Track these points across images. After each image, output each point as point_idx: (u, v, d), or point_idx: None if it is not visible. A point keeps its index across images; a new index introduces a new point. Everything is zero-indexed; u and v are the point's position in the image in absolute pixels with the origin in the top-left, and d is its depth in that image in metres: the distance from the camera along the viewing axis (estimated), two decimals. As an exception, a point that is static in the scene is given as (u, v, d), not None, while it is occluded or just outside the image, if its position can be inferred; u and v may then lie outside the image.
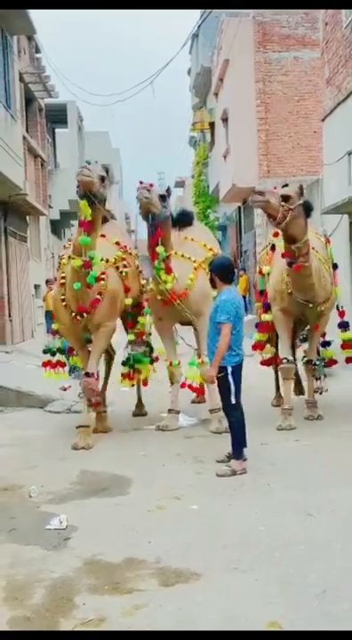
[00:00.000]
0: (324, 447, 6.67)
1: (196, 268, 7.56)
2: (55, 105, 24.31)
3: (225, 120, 23.88)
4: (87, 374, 7.02)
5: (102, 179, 6.50)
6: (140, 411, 8.53)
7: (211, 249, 7.96)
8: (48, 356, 8.09)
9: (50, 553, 4.33)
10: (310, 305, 7.49)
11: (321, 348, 8.51)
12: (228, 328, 5.82)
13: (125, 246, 7.83)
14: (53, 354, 7.96)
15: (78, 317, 6.90)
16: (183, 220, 8.35)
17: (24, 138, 17.02)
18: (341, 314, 8.37)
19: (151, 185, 6.95)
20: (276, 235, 7.40)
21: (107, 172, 6.70)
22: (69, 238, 8.18)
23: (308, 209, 6.96)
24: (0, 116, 12.18)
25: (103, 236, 7.18)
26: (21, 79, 17.11)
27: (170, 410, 7.69)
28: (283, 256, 7.24)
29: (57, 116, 25.94)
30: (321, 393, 8.17)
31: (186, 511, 5.04)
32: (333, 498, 5.17)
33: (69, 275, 6.72)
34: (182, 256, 7.52)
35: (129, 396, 8.86)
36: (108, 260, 7.20)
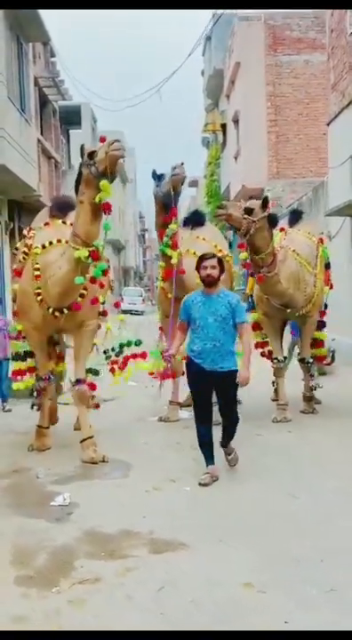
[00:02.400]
0: (314, 439, 7.07)
1: None
2: (69, 107, 24.82)
3: (236, 122, 24.27)
4: (78, 381, 6.47)
5: None
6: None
7: (220, 250, 8.06)
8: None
9: (53, 525, 4.76)
10: (288, 310, 7.82)
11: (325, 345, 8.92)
12: (250, 328, 5.96)
13: None
14: (23, 359, 7.19)
15: (57, 314, 6.24)
16: (195, 219, 8.73)
17: (38, 140, 17.51)
18: (322, 314, 8.74)
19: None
20: (241, 246, 7.48)
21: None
22: (30, 227, 7.14)
23: (272, 221, 7.21)
24: (15, 120, 12.67)
25: (72, 224, 6.30)
26: (36, 83, 17.62)
27: (171, 401, 8.10)
28: (245, 266, 7.61)
29: (71, 118, 26.46)
30: (315, 389, 8.50)
31: (180, 492, 5.45)
32: (317, 483, 5.59)
33: (64, 267, 5.96)
34: (194, 254, 7.54)
35: (135, 389, 9.28)
36: None
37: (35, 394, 7.04)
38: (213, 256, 5.69)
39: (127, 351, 7.45)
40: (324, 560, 4.08)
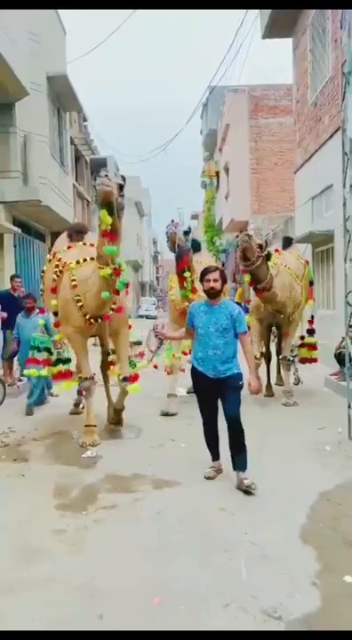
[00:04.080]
0: (279, 412, 7.42)
1: None
2: (99, 159, 25.25)
3: (226, 170, 24.59)
4: (125, 378, 6.16)
5: (121, 187, 5.24)
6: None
7: None
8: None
9: (83, 470, 5.12)
10: (281, 315, 7.76)
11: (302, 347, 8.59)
12: (249, 337, 4.97)
13: None
14: (64, 363, 6.93)
15: (93, 321, 5.86)
16: (194, 246, 8.53)
17: (74, 185, 17.88)
18: (310, 322, 8.71)
19: (177, 222, 6.92)
20: (244, 271, 7.19)
21: (123, 180, 5.38)
22: (54, 252, 6.63)
23: (268, 257, 7.15)
24: (56, 172, 13.07)
25: (92, 245, 6.04)
26: (72, 142, 18.03)
27: (169, 394, 7.61)
28: (250, 284, 7.42)
29: (100, 167, 26.82)
30: (297, 383, 8.35)
31: (177, 447, 5.78)
32: (276, 442, 5.90)
33: (96, 284, 5.59)
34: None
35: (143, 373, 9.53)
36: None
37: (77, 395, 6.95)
38: (216, 269, 4.81)
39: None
40: (281, 495, 4.41)
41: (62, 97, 14.00)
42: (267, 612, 2.84)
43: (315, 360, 8.75)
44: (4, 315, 9.01)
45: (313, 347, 8.68)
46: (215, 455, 4.93)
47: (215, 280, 4.69)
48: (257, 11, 14.16)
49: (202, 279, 4.79)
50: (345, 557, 3.36)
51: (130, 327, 6.60)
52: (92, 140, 20.98)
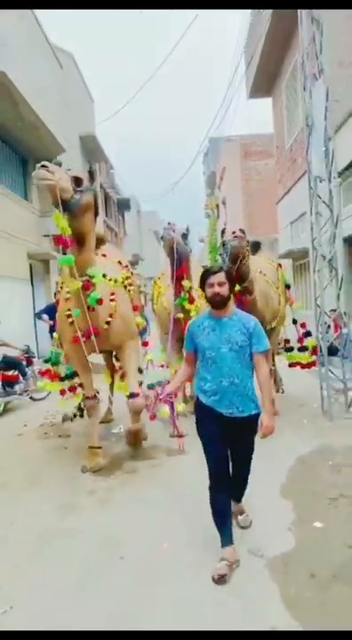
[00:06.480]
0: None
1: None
2: (124, 199, 25.46)
3: (224, 203, 24.63)
4: (132, 394, 4.47)
5: (78, 181, 3.51)
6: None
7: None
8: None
9: (112, 443, 5.15)
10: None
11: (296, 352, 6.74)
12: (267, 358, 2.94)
13: (127, 265, 5.03)
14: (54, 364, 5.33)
15: (92, 337, 4.06)
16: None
17: (104, 221, 18.02)
18: (303, 325, 6.80)
19: (174, 224, 4.89)
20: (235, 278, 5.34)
21: (91, 174, 3.84)
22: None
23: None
24: (89, 210, 13.26)
25: (104, 255, 4.60)
26: (101, 187, 18.23)
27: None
28: (235, 295, 5.50)
29: (124, 205, 27.06)
30: (278, 391, 6.94)
31: (191, 424, 5.62)
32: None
33: (73, 299, 4.03)
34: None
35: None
36: (116, 280, 4.47)
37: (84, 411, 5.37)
38: (220, 269, 2.85)
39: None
40: (266, 460, 4.35)
41: (92, 152, 14.20)
42: (252, 552, 2.86)
43: (313, 364, 6.60)
44: (51, 322, 9.15)
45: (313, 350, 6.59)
46: (226, 537, 2.78)
47: (221, 284, 2.80)
48: (242, 74, 14.19)
49: (203, 284, 2.88)
50: (315, 508, 3.34)
51: (147, 344, 5.43)
52: (117, 184, 21.16)
